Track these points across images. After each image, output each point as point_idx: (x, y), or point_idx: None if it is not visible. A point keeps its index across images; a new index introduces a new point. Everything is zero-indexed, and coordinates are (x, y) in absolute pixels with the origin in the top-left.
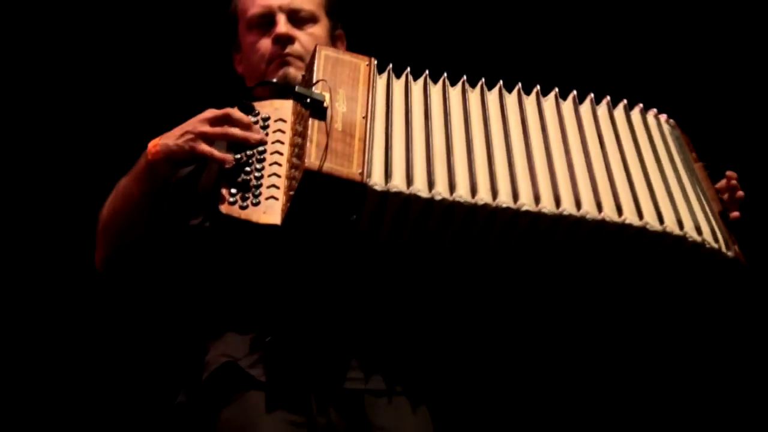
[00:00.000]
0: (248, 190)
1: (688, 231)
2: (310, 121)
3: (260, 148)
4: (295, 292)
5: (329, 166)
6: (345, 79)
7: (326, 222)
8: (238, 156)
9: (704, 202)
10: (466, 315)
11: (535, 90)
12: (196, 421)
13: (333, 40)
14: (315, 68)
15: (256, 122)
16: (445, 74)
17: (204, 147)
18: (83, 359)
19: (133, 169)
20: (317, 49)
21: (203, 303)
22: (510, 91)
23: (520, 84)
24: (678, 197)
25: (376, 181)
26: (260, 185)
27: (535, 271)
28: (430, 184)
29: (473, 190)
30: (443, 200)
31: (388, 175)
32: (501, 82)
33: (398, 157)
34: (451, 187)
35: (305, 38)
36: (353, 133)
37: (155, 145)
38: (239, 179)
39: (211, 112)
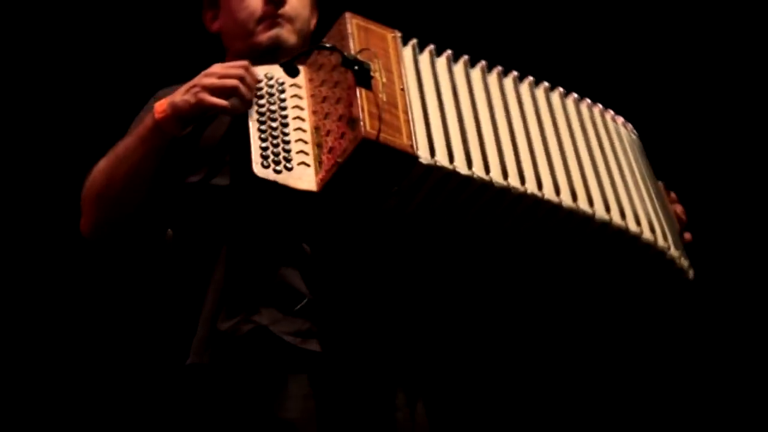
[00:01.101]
0: (278, 154)
1: (660, 241)
2: (358, 90)
3: (282, 113)
4: (325, 261)
5: (385, 136)
6: (378, 50)
7: (365, 192)
8: (262, 118)
9: (669, 216)
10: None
11: (543, 85)
12: (208, 386)
13: (312, 11)
14: (349, 36)
15: (272, 86)
16: (467, 57)
17: (211, 99)
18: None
19: (137, 130)
20: (346, 16)
21: (218, 263)
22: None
23: (531, 77)
24: (646, 204)
25: (422, 154)
26: (290, 150)
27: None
28: (468, 162)
29: (504, 173)
30: (480, 179)
31: (431, 148)
32: (515, 72)
33: (437, 132)
34: (486, 167)
35: (295, 2)
36: (396, 105)
37: (162, 104)
38: (267, 142)
39: (219, 66)
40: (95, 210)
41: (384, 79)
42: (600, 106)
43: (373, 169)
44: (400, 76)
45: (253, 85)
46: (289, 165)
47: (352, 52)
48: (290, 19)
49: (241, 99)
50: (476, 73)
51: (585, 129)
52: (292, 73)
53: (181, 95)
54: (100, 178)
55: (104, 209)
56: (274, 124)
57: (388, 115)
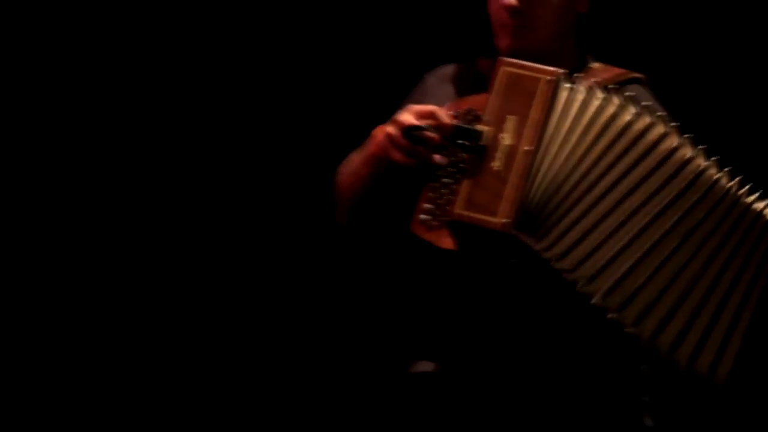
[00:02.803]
0: (442, 206)
1: None
2: (466, 159)
3: (464, 155)
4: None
5: (473, 215)
6: (518, 103)
7: (490, 254)
8: (440, 169)
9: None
10: None
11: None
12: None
13: (571, 5)
14: (490, 90)
15: (467, 124)
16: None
17: (392, 151)
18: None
19: (363, 146)
20: (499, 64)
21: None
22: None
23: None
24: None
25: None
26: (453, 202)
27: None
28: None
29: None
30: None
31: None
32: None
33: (541, 197)
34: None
35: (537, 7)
36: (509, 173)
37: (376, 134)
38: (437, 192)
39: (409, 113)
40: (340, 205)
41: (508, 141)
42: None
43: (478, 241)
44: (533, 133)
45: (437, 137)
46: (445, 219)
47: (484, 114)
48: (529, 27)
49: (415, 158)
50: (637, 125)
51: None
52: (468, 136)
53: (381, 131)
54: (341, 180)
55: (345, 208)
56: (451, 170)
57: (492, 187)
